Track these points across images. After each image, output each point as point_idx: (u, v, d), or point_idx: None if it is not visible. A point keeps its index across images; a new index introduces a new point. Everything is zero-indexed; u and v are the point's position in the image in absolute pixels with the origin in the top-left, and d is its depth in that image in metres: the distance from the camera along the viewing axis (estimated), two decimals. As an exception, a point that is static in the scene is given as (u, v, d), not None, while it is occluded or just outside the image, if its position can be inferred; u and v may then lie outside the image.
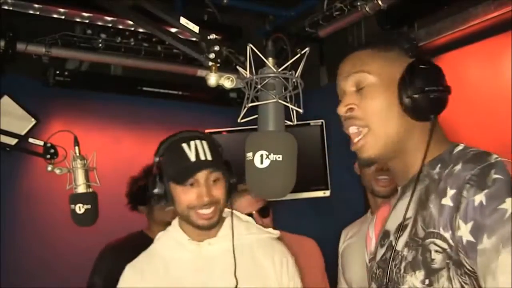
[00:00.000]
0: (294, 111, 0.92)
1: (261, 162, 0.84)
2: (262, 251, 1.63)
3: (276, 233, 1.72)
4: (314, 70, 3.84)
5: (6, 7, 2.87)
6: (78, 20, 3.19)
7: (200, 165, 1.54)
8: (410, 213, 1.04)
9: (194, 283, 1.55)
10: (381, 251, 1.13)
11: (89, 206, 1.77)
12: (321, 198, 3.09)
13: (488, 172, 0.92)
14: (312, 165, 3.05)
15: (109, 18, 3.22)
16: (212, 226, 1.58)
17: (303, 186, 2.98)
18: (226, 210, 1.66)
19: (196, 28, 0.96)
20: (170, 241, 1.66)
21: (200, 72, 3.50)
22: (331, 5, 3.29)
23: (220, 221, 1.62)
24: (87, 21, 3.21)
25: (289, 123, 0.91)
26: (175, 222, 1.68)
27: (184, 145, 1.57)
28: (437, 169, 1.03)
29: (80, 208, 1.76)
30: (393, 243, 1.06)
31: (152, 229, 2.42)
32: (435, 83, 1.05)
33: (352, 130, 1.10)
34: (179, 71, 3.58)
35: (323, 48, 3.76)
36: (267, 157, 0.84)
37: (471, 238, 0.90)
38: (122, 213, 3.34)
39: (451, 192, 0.96)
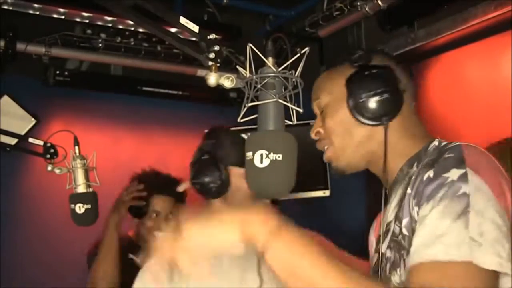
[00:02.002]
0: (294, 111, 0.93)
1: (261, 162, 0.84)
2: None
3: None
4: (314, 70, 3.83)
5: (6, 7, 2.87)
6: (78, 20, 3.19)
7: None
8: (392, 216, 1.05)
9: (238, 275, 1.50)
10: (374, 257, 1.14)
11: (89, 206, 1.77)
12: (321, 198, 3.09)
13: (443, 154, 0.95)
14: (312, 165, 3.05)
15: (109, 18, 3.22)
16: None
17: (303, 186, 2.98)
18: None
19: (196, 28, 0.96)
20: None
21: (200, 72, 3.50)
22: (331, 5, 3.29)
23: None
24: (87, 21, 3.21)
25: (289, 122, 0.91)
26: None
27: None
28: (414, 168, 1.04)
29: (80, 208, 1.76)
30: (380, 247, 1.07)
31: (139, 239, 2.34)
32: (376, 87, 1.06)
33: (324, 149, 1.17)
34: (179, 71, 3.59)
35: (323, 48, 3.76)
36: (267, 156, 0.84)
37: (417, 210, 0.92)
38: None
39: (412, 180, 0.99)
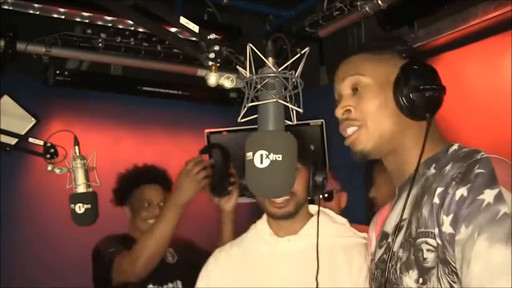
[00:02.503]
0: (294, 111, 0.92)
1: (261, 162, 0.84)
2: (343, 257, 1.52)
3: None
4: (314, 70, 3.84)
5: (6, 7, 2.87)
6: (78, 19, 3.20)
7: None
8: (406, 215, 1.05)
9: (265, 277, 1.54)
10: (379, 252, 1.14)
11: (89, 206, 1.77)
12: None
13: (473, 168, 0.94)
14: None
15: (109, 18, 3.22)
16: (284, 216, 1.55)
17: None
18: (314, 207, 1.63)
19: (196, 28, 0.96)
20: (254, 233, 1.67)
21: (200, 72, 3.50)
22: (331, 5, 3.29)
23: (299, 215, 1.58)
24: (87, 20, 3.21)
25: (289, 123, 0.91)
26: (265, 215, 1.67)
27: None
28: (432, 169, 1.04)
29: (80, 208, 1.76)
30: (391, 245, 1.06)
31: (136, 233, 2.33)
32: (429, 82, 1.07)
33: (349, 131, 1.13)
34: (179, 70, 3.59)
35: (323, 48, 3.76)
36: (267, 157, 0.84)
37: (451, 230, 0.92)
38: (122, 213, 3.34)
39: (439, 190, 0.97)
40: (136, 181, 2.39)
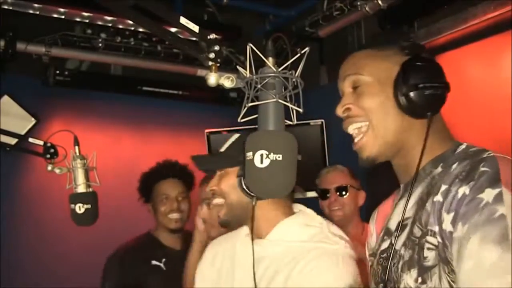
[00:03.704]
0: (294, 111, 0.92)
1: (261, 162, 0.84)
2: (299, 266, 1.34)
3: (343, 246, 1.37)
4: (314, 70, 3.84)
5: (6, 7, 2.87)
6: (78, 19, 3.20)
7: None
8: (410, 213, 1.04)
9: (238, 277, 1.44)
10: (382, 247, 1.13)
11: (89, 206, 1.77)
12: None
13: (478, 166, 0.93)
14: (312, 165, 3.05)
15: (109, 18, 3.22)
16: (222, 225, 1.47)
17: (303, 185, 2.98)
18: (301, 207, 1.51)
19: (196, 28, 0.96)
20: (242, 231, 1.54)
21: (200, 72, 3.50)
22: (331, 5, 3.29)
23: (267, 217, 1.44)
24: (87, 20, 3.21)
25: (289, 122, 0.91)
26: None
27: None
28: (439, 168, 1.03)
29: (80, 208, 1.76)
30: (393, 242, 1.06)
31: (159, 229, 2.40)
32: (430, 79, 1.04)
33: (351, 129, 1.12)
34: (179, 70, 3.59)
35: (323, 48, 3.76)
36: (267, 156, 0.84)
37: (450, 228, 0.92)
38: (122, 213, 3.35)
39: (443, 188, 0.97)
40: (154, 178, 2.44)
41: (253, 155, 0.85)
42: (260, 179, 0.85)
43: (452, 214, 0.92)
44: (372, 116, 1.08)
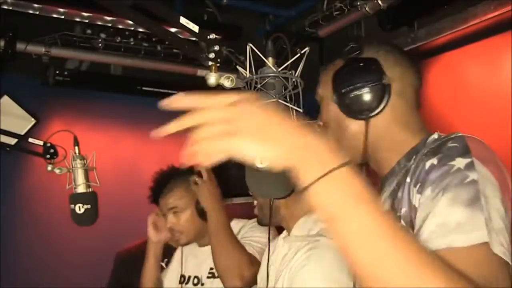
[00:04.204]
0: (294, 111, 0.92)
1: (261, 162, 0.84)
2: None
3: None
4: (314, 70, 3.84)
5: (6, 7, 2.87)
6: (77, 19, 3.19)
7: None
8: (386, 206, 1.04)
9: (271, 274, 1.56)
10: None
11: (89, 206, 1.77)
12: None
13: (446, 143, 0.93)
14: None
15: (108, 18, 3.22)
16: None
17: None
18: None
19: (196, 28, 0.96)
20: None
21: (200, 72, 3.50)
22: (331, 4, 3.29)
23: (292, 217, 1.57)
24: (86, 20, 3.21)
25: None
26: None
27: None
28: (412, 161, 1.03)
29: (80, 208, 1.76)
30: None
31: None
32: (357, 81, 1.05)
33: None
34: (179, 71, 3.58)
35: (323, 48, 3.76)
36: (267, 157, 0.84)
37: (418, 196, 0.90)
38: (122, 213, 3.34)
39: (411, 169, 0.97)
40: (164, 180, 2.42)
41: (253, 155, 0.85)
42: (260, 180, 0.85)
43: (419, 185, 0.91)
44: (329, 129, 1.13)
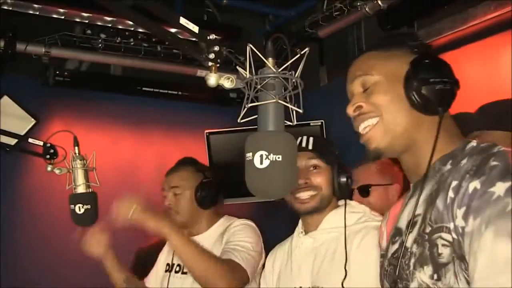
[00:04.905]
0: (294, 111, 0.92)
1: (261, 162, 0.84)
2: (356, 241, 1.54)
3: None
4: (314, 70, 3.84)
5: (6, 7, 2.87)
6: (77, 20, 3.20)
7: (299, 149, 1.57)
8: (419, 210, 1.04)
9: (296, 274, 1.61)
10: (392, 248, 1.13)
11: (88, 206, 1.77)
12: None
13: (488, 161, 0.93)
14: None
15: (108, 18, 3.22)
16: (308, 212, 1.60)
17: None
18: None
19: (196, 28, 0.96)
20: (297, 229, 1.73)
21: (200, 72, 3.50)
22: (331, 5, 3.29)
23: (326, 211, 1.63)
24: (86, 21, 3.21)
25: (289, 123, 0.91)
26: None
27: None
28: (448, 165, 1.03)
29: (80, 208, 1.76)
30: (404, 240, 1.06)
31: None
32: (440, 75, 1.05)
33: (363, 126, 1.12)
34: (178, 71, 3.59)
35: (323, 48, 3.76)
36: (267, 157, 0.84)
37: (463, 224, 0.91)
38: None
39: (454, 184, 0.96)
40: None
41: (253, 155, 0.85)
42: (260, 180, 0.85)
43: (463, 209, 0.91)
44: (383, 111, 1.08)
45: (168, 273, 2.08)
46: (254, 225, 2.03)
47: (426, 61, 1.07)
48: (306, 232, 1.65)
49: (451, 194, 0.96)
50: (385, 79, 1.10)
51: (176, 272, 2.07)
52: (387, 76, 1.10)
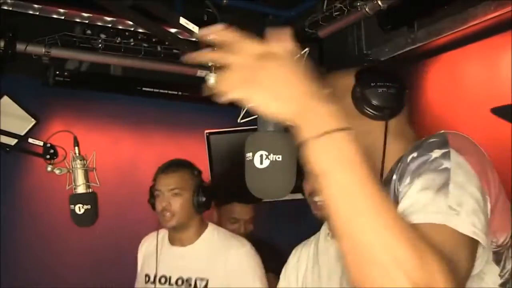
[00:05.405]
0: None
1: (261, 163, 0.84)
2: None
3: None
4: (314, 70, 3.83)
5: (6, 7, 2.87)
6: (77, 20, 3.19)
7: None
8: None
9: (330, 282, 1.58)
10: None
11: (88, 207, 1.77)
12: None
13: (428, 139, 0.98)
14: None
15: (108, 18, 3.22)
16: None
17: (302, 187, 2.98)
18: None
19: (196, 29, 0.96)
20: (322, 231, 1.72)
21: (200, 72, 3.50)
22: (331, 5, 3.28)
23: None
24: (86, 21, 3.21)
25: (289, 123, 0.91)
26: None
27: None
28: (400, 163, 1.06)
29: (79, 209, 1.76)
30: None
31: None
32: (385, 80, 1.10)
33: None
34: (179, 71, 3.58)
35: (323, 48, 3.76)
36: (267, 157, 0.84)
37: (399, 187, 0.95)
38: (122, 213, 3.34)
39: (397, 168, 1.01)
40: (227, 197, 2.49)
41: (253, 155, 0.85)
42: (260, 180, 0.85)
43: (401, 177, 0.96)
44: None
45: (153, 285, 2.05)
46: (253, 251, 2.05)
47: (369, 70, 1.14)
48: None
49: (394, 177, 1.01)
50: (337, 90, 1.14)
51: (162, 284, 2.04)
52: (337, 88, 1.14)
